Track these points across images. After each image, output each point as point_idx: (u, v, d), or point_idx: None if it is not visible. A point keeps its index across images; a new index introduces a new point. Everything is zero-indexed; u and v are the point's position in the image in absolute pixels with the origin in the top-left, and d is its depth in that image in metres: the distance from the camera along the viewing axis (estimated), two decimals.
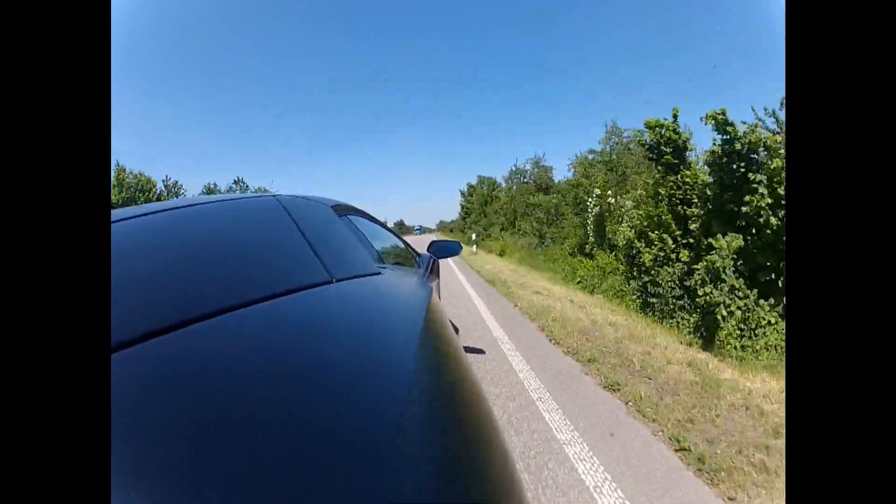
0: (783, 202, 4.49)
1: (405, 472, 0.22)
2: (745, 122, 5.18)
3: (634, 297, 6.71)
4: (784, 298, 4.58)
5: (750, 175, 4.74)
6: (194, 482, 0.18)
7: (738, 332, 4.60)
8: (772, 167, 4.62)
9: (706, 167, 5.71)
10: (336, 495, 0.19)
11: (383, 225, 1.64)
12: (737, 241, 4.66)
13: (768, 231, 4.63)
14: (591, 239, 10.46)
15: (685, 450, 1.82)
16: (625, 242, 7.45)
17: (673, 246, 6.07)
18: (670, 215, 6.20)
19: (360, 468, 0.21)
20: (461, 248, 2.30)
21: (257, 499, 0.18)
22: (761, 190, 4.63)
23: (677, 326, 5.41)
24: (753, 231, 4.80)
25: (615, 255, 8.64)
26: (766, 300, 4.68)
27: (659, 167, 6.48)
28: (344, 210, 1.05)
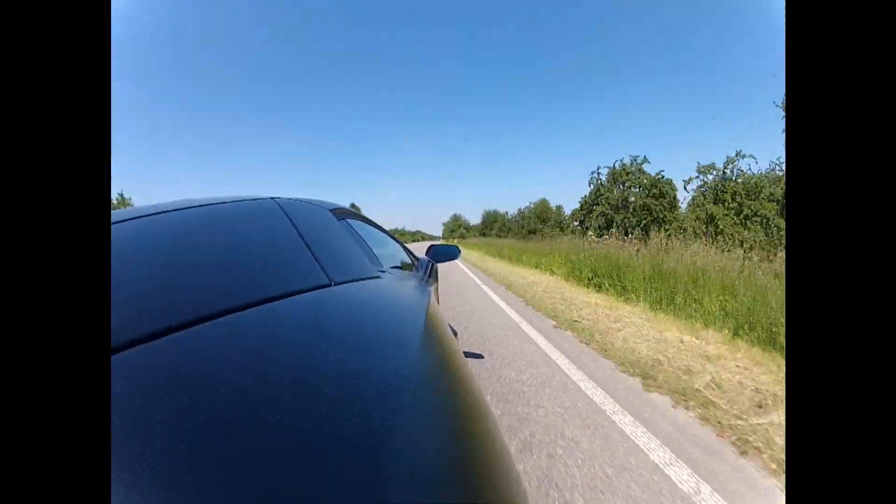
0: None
1: (404, 474, 0.22)
2: None
3: None
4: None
5: None
6: (193, 483, 0.18)
7: None
8: None
9: None
10: (335, 496, 0.19)
11: (382, 229, 1.64)
12: None
13: None
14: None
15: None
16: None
17: None
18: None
19: (359, 470, 0.21)
20: (460, 251, 2.32)
21: (255, 500, 0.17)
22: None
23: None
24: None
25: None
26: None
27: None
28: (343, 213, 1.05)
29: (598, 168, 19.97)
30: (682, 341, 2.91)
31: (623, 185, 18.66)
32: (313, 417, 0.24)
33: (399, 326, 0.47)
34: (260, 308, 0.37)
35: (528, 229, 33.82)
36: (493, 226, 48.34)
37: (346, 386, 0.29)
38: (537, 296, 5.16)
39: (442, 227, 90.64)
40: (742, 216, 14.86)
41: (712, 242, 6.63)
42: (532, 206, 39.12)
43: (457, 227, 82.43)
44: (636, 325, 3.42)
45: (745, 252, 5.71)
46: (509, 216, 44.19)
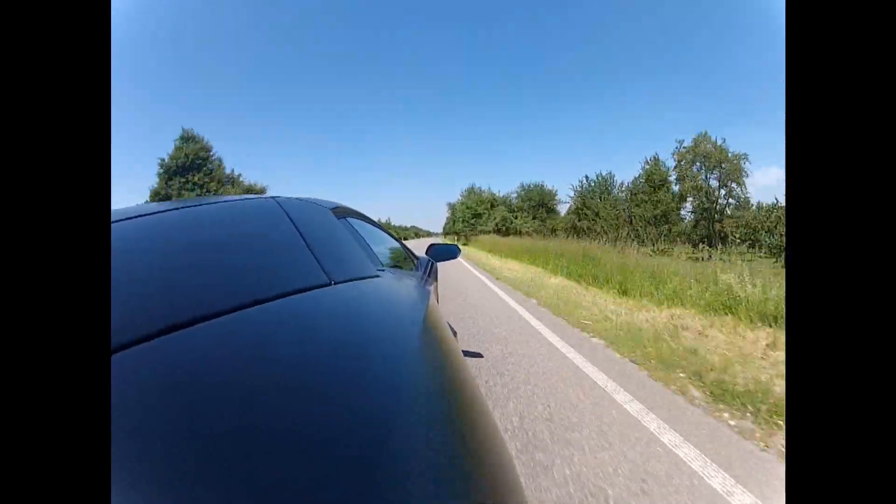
0: None
1: (403, 474, 0.22)
2: None
3: None
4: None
5: None
6: (193, 483, 0.18)
7: None
8: None
9: None
10: (333, 496, 0.19)
11: (382, 228, 1.64)
12: None
13: None
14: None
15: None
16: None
17: None
18: None
19: (358, 471, 0.21)
20: (459, 251, 2.32)
21: (255, 499, 0.17)
22: None
23: None
24: None
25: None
26: None
27: None
28: (343, 212, 1.05)
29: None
30: None
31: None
32: (313, 417, 0.24)
33: (398, 325, 0.47)
34: (260, 307, 0.37)
35: (648, 214, 17.54)
36: (538, 212, 26.63)
37: (346, 385, 0.29)
38: None
39: (447, 212, 42.51)
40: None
41: None
42: (650, 164, 20.43)
43: (481, 204, 33.65)
44: None
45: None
46: (573, 192, 24.04)
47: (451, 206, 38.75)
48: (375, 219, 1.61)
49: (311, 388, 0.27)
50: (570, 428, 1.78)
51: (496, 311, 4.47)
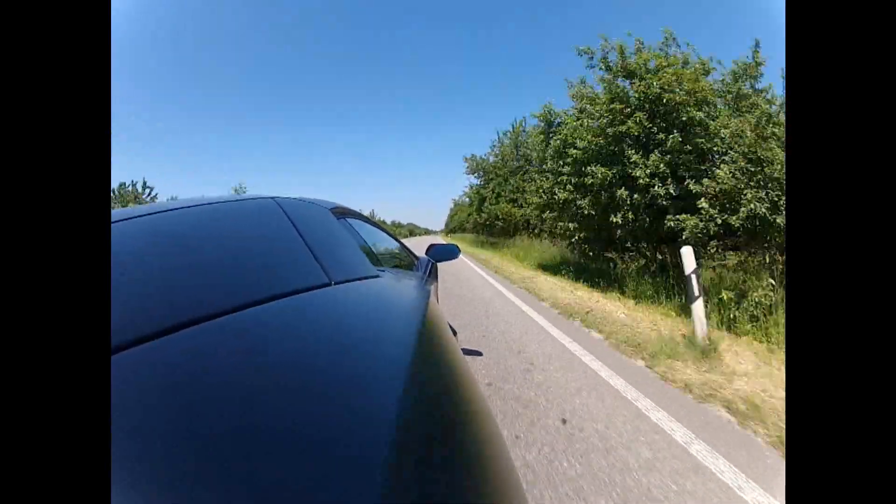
0: None
1: (403, 474, 0.22)
2: None
3: None
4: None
5: None
6: (193, 483, 0.18)
7: None
8: None
9: None
10: (332, 496, 0.19)
11: (383, 228, 1.64)
12: None
13: None
14: None
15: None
16: None
17: None
18: None
19: (358, 470, 0.21)
20: (459, 251, 2.33)
21: (254, 499, 0.17)
22: None
23: None
24: None
25: None
26: None
27: None
28: (343, 213, 1.05)
29: None
30: None
31: None
32: (313, 417, 0.24)
33: (398, 325, 0.47)
34: (260, 307, 0.37)
35: None
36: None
37: (346, 385, 0.29)
38: None
39: (465, 173, 19.50)
40: None
41: None
42: None
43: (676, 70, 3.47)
44: None
45: None
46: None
47: (477, 163, 18.41)
48: (365, 213, 1.60)
49: (312, 388, 0.27)
50: None
51: None
